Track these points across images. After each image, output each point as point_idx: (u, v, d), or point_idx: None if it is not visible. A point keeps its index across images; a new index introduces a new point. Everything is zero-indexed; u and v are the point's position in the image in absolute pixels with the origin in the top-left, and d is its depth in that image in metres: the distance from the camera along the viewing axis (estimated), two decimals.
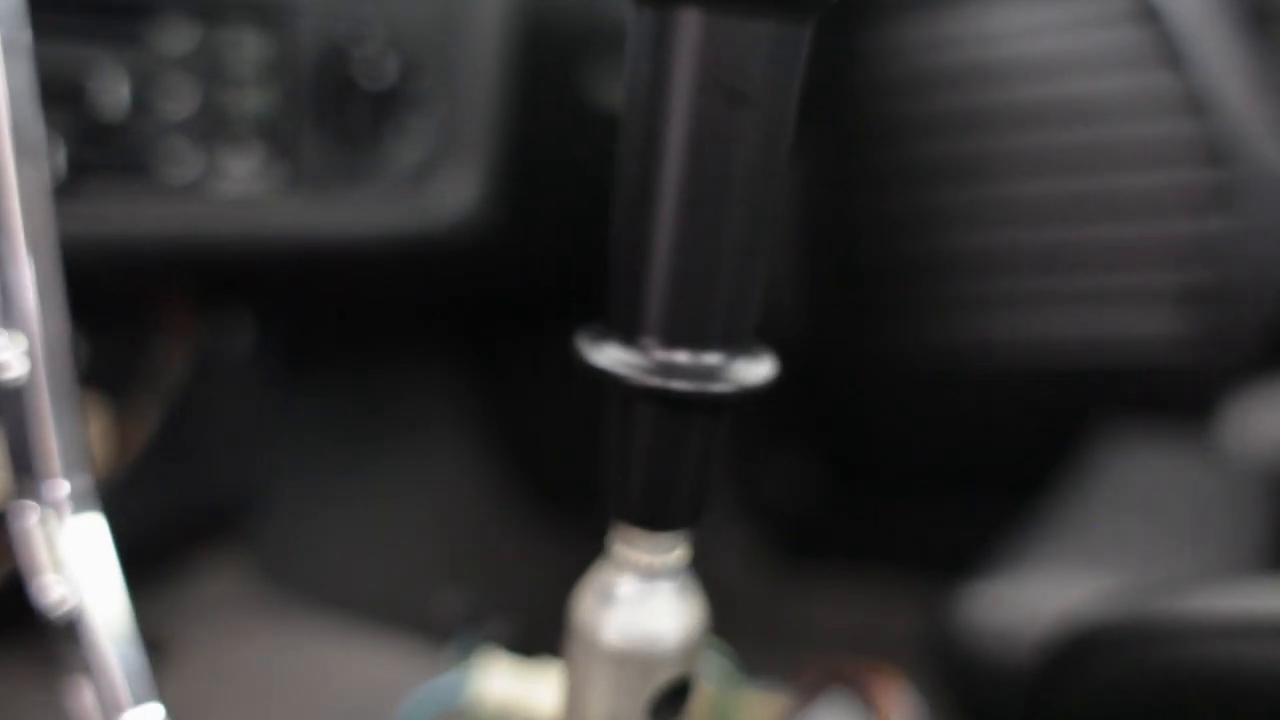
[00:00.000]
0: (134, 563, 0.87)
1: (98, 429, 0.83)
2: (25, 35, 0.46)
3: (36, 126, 0.46)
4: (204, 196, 0.72)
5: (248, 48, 0.72)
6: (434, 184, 0.82)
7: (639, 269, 0.37)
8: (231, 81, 0.72)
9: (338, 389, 1.25)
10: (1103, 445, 1.10)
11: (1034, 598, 0.71)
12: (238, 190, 0.73)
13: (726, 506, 1.73)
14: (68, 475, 0.49)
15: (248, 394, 0.96)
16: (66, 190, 0.65)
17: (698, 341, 0.36)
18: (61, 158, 0.64)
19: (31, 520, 0.50)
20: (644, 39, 0.35)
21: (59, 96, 0.64)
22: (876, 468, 1.66)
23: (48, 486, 0.49)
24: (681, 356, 0.36)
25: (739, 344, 0.38)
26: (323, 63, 0.75)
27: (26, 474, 0.49)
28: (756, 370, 0.38)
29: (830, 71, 1.53)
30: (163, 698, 0.76)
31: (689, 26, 0.34)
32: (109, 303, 0.80)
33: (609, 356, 0.37)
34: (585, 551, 0.45)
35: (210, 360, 0.89)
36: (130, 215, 0.68)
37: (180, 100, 0.70)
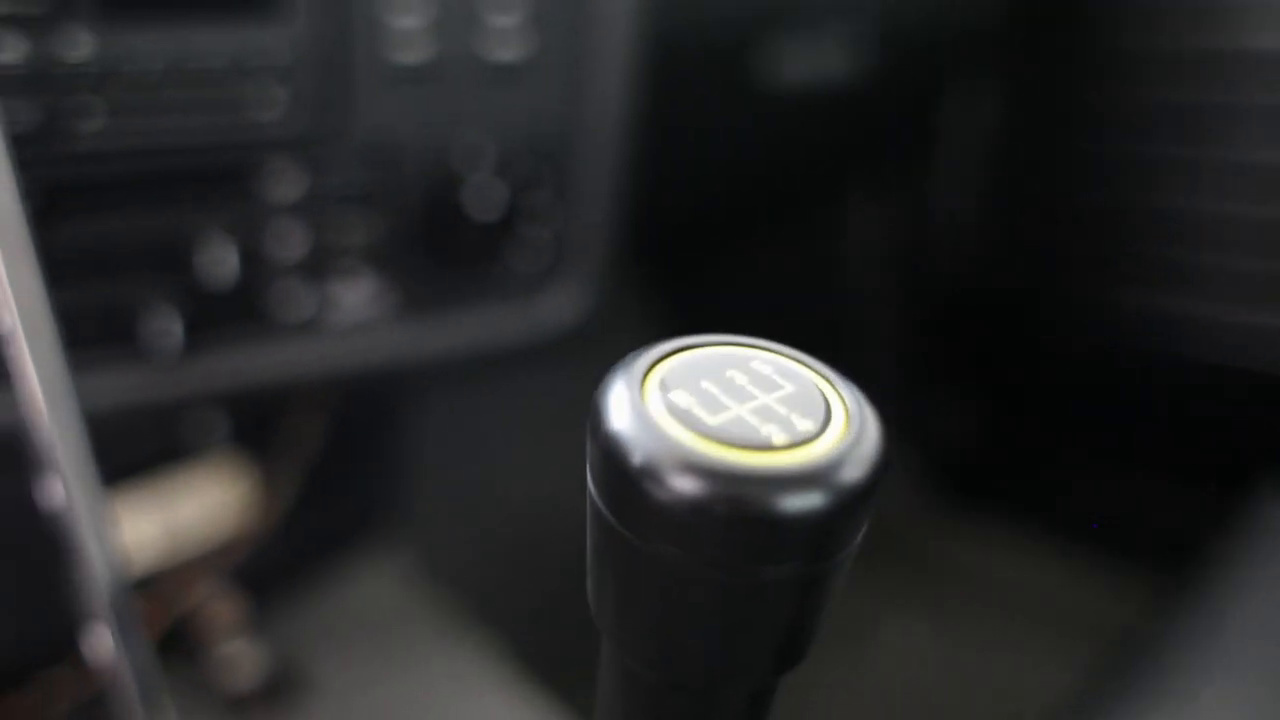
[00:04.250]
0: (281, 583, 0.96)
1: (243, 490, 0.90)
2: None
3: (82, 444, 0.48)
4: (319, 331, 0.74)
5: (355, 188, 0.71)
6: (548, 294, 0.81)
7: None
8: (341, 220, 0.72)
9: None
10: (1259, 531, 1.01)
11: None
12: (351, 320, 0.75)
13: (888, 429, 1.70)
14: None
15: (390, 417, 1.01)
16: (185, 354, 0.68)
17: None
18: (178, 329, 0.67)
19: None
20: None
21: (169, 270, 0.66)
22: (1042, 421, 1.58)
23: None
24: None
25: None
26: (432, 194, 0.73)
27: None
28: None
29: None
30: None
31: None
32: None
33: None
34: None
35: (349, 408, 0.94)
36: (250, 363, 0.71)
37: (291, 246, 0.70)
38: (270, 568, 0.93)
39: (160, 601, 0.85)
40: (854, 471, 0.28)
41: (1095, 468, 1.51)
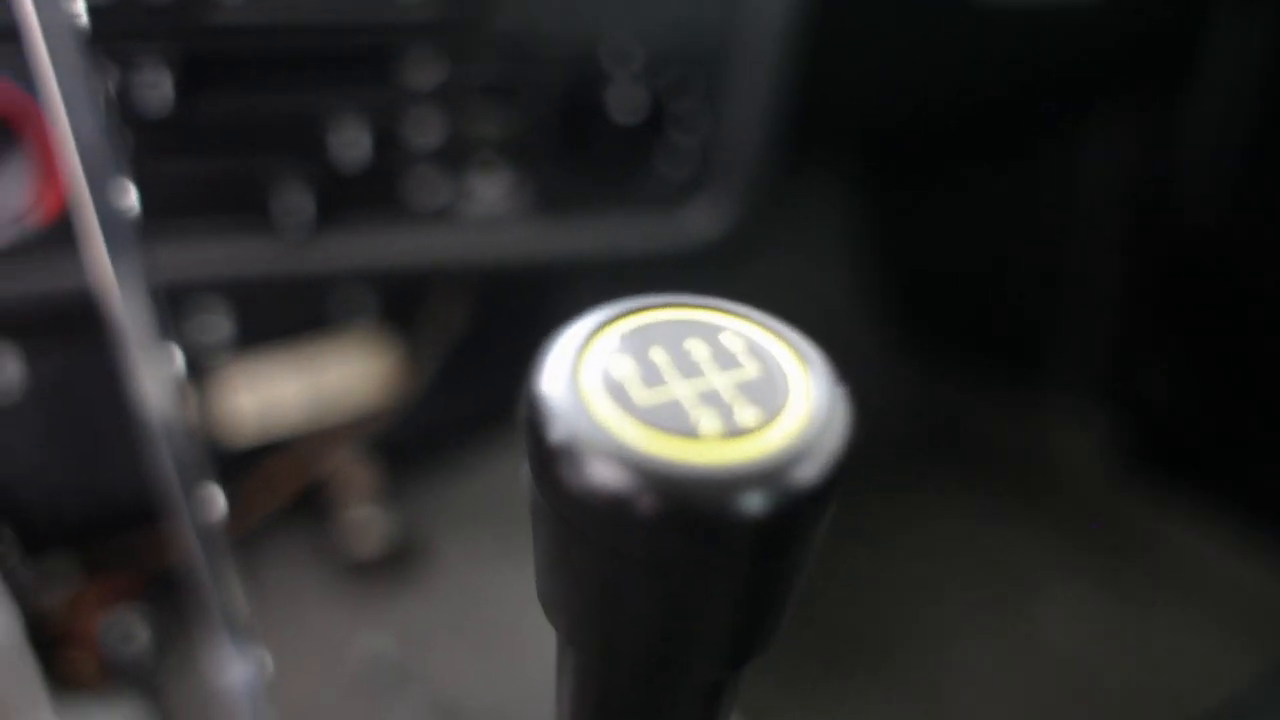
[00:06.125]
0: (417, 458, 0.99)
1: (388, 363, 0.93)
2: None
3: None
4: (453, 220, 0.74)
5: (495, 79, 0.70)
6: (691, 206, 0.77)
7: None
8: (479, 111, 0.70)
9: None
10: None
11: None
12: (485, 213, 0.74)
13: (1090, 387, 1.57)
14: None
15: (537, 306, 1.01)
16: (317, 232, 0.70)
17: None
18: (310, 207, 0.69)
19: None
20: None
21: (303, 149, 0.67)
22: (1261, 398, 1.41)
23: None
24: None
25: None
26: (573, 93, 0.71)
27: None
28: None
29: None
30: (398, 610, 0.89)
31: None
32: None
33: None
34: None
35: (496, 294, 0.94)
36: (382, 245, 0.72)
37: (426, 133, 0.70)
38: (408, 441, 0.96)
39: (299, 462, 0.90)
40: (781, 481, 0.24)
41: None
